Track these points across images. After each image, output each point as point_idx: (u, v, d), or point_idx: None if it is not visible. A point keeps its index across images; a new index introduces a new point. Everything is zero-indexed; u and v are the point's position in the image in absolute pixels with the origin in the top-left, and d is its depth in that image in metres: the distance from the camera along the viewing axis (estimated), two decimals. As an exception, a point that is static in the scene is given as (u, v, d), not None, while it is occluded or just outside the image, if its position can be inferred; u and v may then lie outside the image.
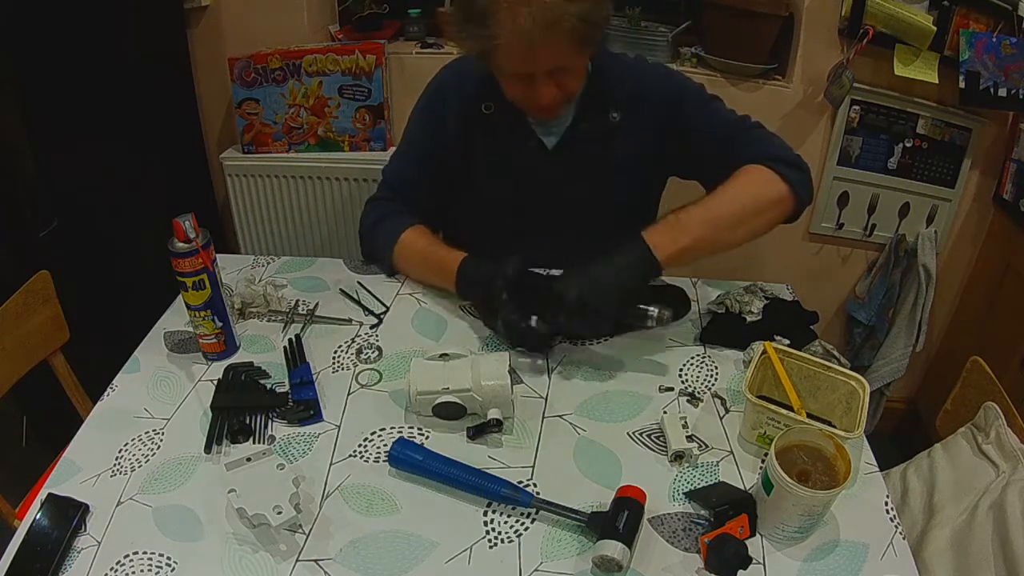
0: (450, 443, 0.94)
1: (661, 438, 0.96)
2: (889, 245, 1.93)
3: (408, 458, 0.90)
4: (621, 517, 0.80)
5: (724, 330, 1.16)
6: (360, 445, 0.95)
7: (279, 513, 0.79)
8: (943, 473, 1.09)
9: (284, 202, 1.93)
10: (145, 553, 0.79)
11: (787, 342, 1.09)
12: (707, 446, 0.96)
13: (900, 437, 2.15)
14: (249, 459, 0.84)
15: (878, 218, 1.91)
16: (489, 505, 0.87)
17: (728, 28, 1.73)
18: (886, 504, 0.89)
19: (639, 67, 1.30)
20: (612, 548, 0.77)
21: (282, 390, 1.03)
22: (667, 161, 1.31)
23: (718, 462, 0.94)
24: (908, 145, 1.80)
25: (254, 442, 0.95)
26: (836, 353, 1.10)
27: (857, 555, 0.82)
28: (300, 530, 0.83)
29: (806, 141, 1.85)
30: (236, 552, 0.80)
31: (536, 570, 0.79)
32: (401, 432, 0.97)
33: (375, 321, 1.19)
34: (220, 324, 1.05)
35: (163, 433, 0.96)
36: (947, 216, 1.88)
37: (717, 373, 1.09)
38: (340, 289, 1.27)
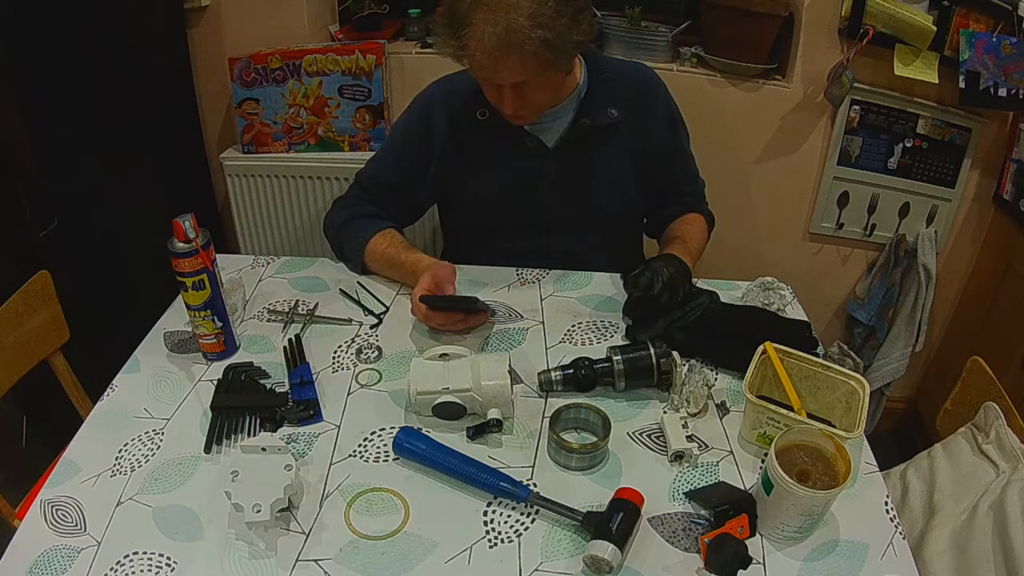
0: (450, 443, 0.93)
1: (661, 438, 0.96)
2: (889, 245, 1.93)
3: (412, 447, 0.90)
4: (616, 518, 0.80)
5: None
6: (360, 445, 0.95)
7: (264, 508, 0.79)
8: (943, 473, 1.09)
9: (284, 202, 1.92)
10: (145, 553, 0.79)
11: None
12: (707, 446, 0.96)
13: (900, 437, 2.15)
14: (264, 449, 0.85)
15: (878, 218, 1.91)
16: (489, 505, 0.87)
17: (728, 28, 1.73)
18: (886, 504, 0.89)
19: (641, 69, 1.36)
20: (602, 548, 0.77)
21: (282, 390, 1.03)
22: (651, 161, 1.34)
23: (718, 462, 0.94)
24: (908, 145, 1.80)
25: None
26: (852, 353, 1.11)
27: (857, 555, 0.82)
28: (283, 527, 0.83)
29: (806, 141, 1.84)
30: (236, 552, 0.80)
31: (536, 570, 0.79)
32: (401, 432, 0.97)
33: (375, 321, 1.19)
34: (220, 324, 1.05)
35: (163, 433, 0.96)
36: (947, 216, 1.88)
37: (717, 373, 1.09)
38: (340, 289, 1.27)
